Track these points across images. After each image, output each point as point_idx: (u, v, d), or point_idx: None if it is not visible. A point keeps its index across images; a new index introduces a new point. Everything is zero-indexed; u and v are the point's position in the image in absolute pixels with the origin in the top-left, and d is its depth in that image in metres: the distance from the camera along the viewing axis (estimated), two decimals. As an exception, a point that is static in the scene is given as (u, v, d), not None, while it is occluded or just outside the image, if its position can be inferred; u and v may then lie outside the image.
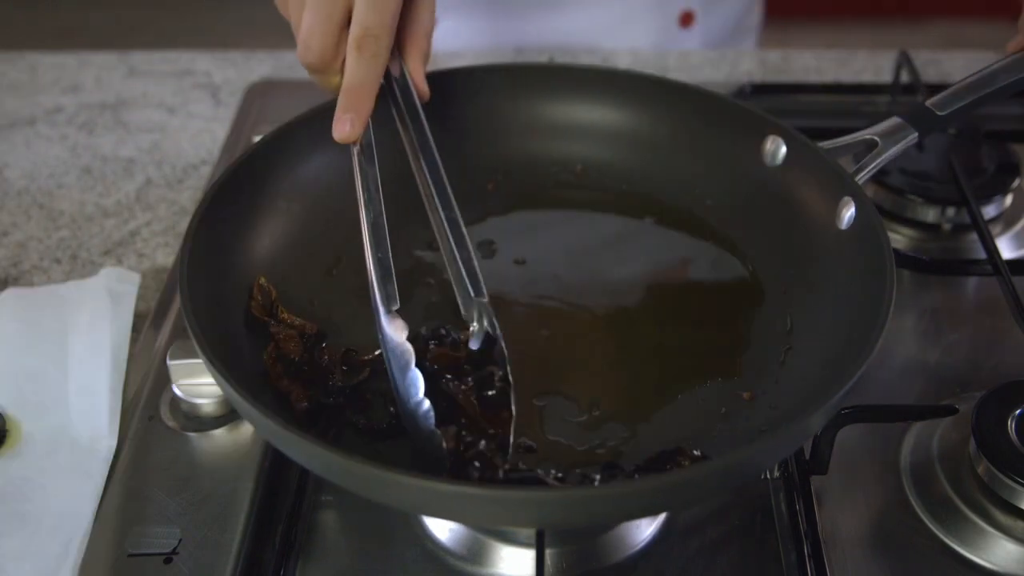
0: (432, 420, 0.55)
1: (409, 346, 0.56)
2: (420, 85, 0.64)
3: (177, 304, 0.71)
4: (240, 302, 0.61)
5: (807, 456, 0.60)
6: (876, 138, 0.65)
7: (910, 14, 2.69)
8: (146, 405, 0.63)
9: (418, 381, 0.55)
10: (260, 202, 0.65)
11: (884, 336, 0.52)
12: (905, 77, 0.93)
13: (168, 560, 0.55)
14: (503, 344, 0.58)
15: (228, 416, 0.62)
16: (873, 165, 0.64)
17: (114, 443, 0.62)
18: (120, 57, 1.04)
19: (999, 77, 0.66)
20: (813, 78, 1.01)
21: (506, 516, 0.50)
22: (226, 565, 0.55)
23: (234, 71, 1.02)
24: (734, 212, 0.70)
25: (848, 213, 0.62)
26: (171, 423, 0.62)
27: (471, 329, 0.59)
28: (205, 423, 0.62)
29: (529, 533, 0.56)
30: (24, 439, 0.62)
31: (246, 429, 0.62)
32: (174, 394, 0.62)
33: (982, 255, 0.73)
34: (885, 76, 0.98)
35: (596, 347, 0.63)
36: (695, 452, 0.55)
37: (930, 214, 0.79)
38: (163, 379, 0.64)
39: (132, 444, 0.61)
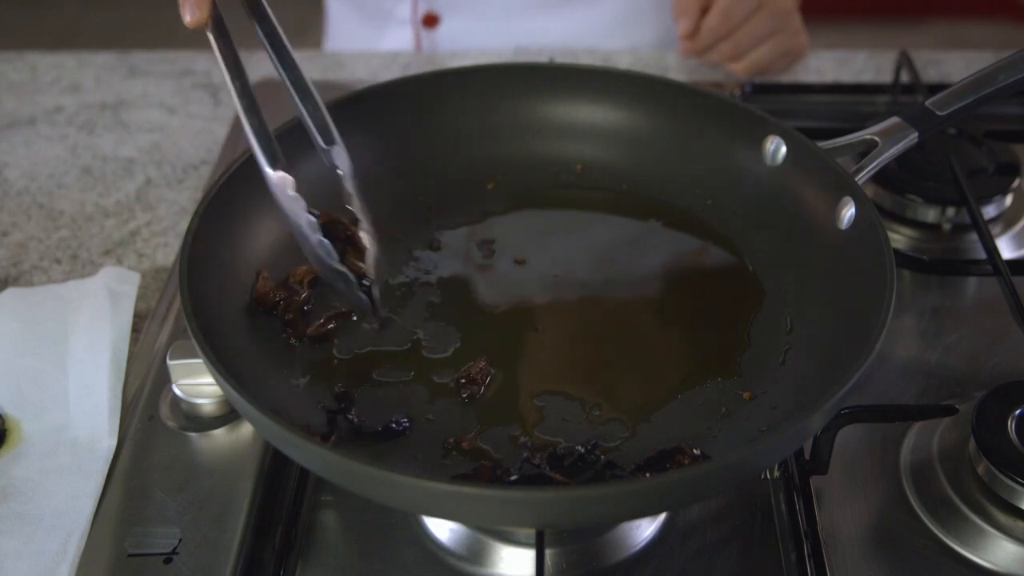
0: (335, 256, 0.60)
1: (299, 196, 0.59)
2: None
3: (177, 304, 0.71)
4: (240, 302, 0.61)
5: (807, 456, 0.60)
6: (876, 138, 0.65)
7: (910, 14, 2.68)
8: (146, 405, 0.63)
9: (312, 221, 0.59)
10: (260, 202, 0.65)
11: (884, 336, 0.52)
12: (905, 77, 0.93)
13: (168, 560, 0.55)
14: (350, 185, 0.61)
15: (228, 416, 0.62)
16: (873, 165, 0.64)
17: (114, 443, 0.62)
18: (120, 57, 1.04)
19: (999, 77, 0.66)
20: (813, 78, 1.01)
21: (506, 516, 0.50)
22: (226, 565, 0.55)
23: (234, 71, 1.02)
24: (734, 212, 0.70)
25: (848, 213, 0.62)
26: (171, 423, 0.62)
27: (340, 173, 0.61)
28: (205, 423, 0.62)
29: (529, 533, 0.56)
30: (24, 439, 0.62)
31: (246, 429, 0.62)
32: (174, 394, 0.62)
33: (982, 255, 0.73)
34: (885, 76, 0.98)
35: (596, 347, 0.63)
36: (695, 451, 0.55)
37: (930, 214, 0.79)
38: (163, 379, 0.64)
39: (132, 444, 0.61)
